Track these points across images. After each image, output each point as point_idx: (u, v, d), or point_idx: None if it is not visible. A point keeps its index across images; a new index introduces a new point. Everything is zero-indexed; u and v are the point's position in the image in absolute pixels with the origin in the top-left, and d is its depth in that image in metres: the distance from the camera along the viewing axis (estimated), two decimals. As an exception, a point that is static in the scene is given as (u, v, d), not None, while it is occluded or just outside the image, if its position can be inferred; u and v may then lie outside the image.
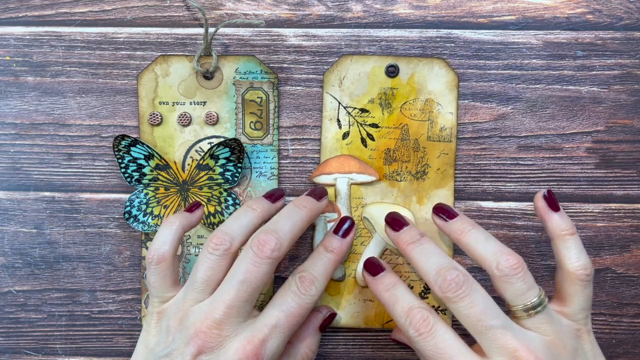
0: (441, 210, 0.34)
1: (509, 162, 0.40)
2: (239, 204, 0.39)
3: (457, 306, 0.30)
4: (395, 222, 0.34)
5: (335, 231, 0.35)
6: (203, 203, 0.39)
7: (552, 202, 0.34)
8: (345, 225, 0.35)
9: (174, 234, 0.33)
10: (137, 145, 0.38)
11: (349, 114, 0.39)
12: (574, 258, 0.32)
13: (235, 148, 0.38)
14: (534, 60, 0.39)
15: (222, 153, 0.38)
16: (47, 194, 0.40)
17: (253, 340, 0.30)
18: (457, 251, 0.39)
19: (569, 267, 0.32)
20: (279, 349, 0.31)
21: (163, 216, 0.39)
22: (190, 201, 0.39)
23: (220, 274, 0.31)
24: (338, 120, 0.39)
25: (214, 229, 0.39)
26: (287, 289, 0.32)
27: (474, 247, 0.32)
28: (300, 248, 0.40)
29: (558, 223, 0.33)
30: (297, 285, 0.31)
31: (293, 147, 0.40)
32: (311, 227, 0.39)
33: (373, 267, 0.34)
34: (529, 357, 0.29)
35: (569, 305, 0.32)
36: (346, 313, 0.39)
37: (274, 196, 0.35)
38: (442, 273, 0.30)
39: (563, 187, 0.40)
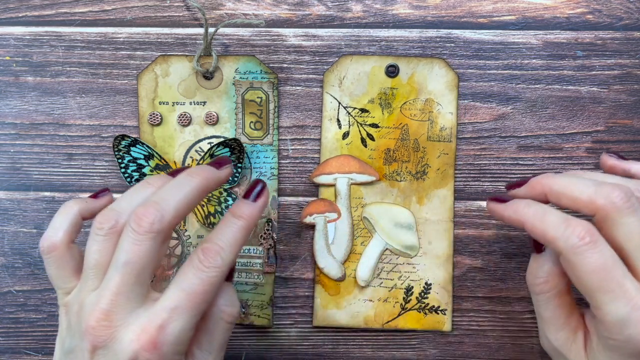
0: (516, 184, 0.33)
1: (509, 162, 0.40)
2: (239, 204, 0.39)
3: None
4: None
5: (246, 196, 0.30)
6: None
7: (619, 155, 0.34)
8: (257, 189, 0.31)
9: (69, 221, 0.31)
10: (137, 145, 0.38)
11: (349, 114, 0.39)
12: None
13: (235, 148, 0.38)
14: (534, 60, 0.39)
15: (222, 153, 0.38)
16: (47, 194, 0.40)
17: (148, 329, 0.26)
18: (457, 251, 0.39)
19: None
20: (185, 331, 0.27)
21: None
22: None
23: (109, 256, 0.28)
24: (338, 120, 0.39)
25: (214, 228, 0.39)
26: (189, 265, 0.28)
27: (569, 188, 0.29)
28: (301, 248, 0.40)
29: (638, 166, 0.33)
30: (199, 259, 0.28)
31: (293, 147, 0.40)
32: (311, 227, 0.39)
33: (501, 198, 0.31)
34: None
35: None
36: (346, 313, 0.39)
37: (176, 173, 0.31)
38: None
39: (563, 187, 0.40)
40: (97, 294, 0.27)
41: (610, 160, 0.34)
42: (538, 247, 0.31)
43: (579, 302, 0.32)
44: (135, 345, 0.26)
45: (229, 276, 0.31)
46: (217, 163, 0.31)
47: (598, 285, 0.27)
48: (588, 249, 0.27)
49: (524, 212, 0.29)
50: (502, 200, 0.31)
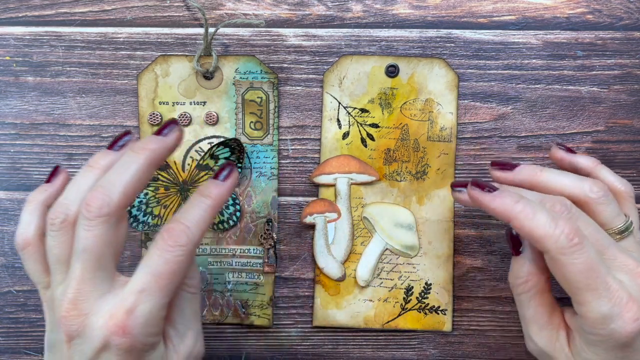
0: (500, 164, 0.34)
1: (509, 162, 0.40)
2: (238, 204, 0.39)
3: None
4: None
5: (215, 177, 0.30)
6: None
7: (567, 148, 0.36)
8: (226, 170, 0.30)
9: (37, 214, 0.31)
10: (137, 145, 0.38)
11: (349, 114, 0.39)
12: (616, 181, 0.34)
13: (235, 148, 0.38)
14: (534, 60, 0.39)
15: (222, 153, 0.38)
16: (47, 194, 0.40)
17: (116, 314, 0.26)
18: (457, 251, 0.39)
19: (618, 188, 0.34)
20: (154, 313, 0.27)
21: (163, 216, 0.39)
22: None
23: (68, 248, 0.28)
24: (338, 120, 0.39)
25: (213, 229, 0.39)
26: (154, 246, 0.27)
27: (557, 181, 0.32)
28: (301, 248, 0.40)
29: (584, 159, 0.35)
30: (163, 239, 0.27)
31: (293, 147, 0.40)
32: (311, 227, 0.39)
33: (486, 185, 0.30)
34: None
35: None
36: (346, 313, 0.39)
37: (116, 144, 0.31)
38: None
39: (563, 187, 0.40)
40: (64, 286, 0.28)
41: (559, 153, 0.36)
42: (516, 249, 0.32)
43: (558, 301, 0.32)
44: (105, 331, 0.26)
45: None
46: (161, 129, 0.30)
47: (584, 284, 0.28)
48: (576, 250, 0.28)
49: (512, 207, 0.29)
50: (483, 186, 0.30)
